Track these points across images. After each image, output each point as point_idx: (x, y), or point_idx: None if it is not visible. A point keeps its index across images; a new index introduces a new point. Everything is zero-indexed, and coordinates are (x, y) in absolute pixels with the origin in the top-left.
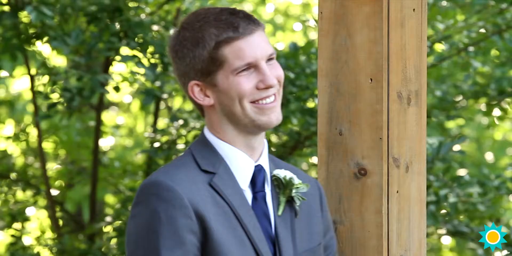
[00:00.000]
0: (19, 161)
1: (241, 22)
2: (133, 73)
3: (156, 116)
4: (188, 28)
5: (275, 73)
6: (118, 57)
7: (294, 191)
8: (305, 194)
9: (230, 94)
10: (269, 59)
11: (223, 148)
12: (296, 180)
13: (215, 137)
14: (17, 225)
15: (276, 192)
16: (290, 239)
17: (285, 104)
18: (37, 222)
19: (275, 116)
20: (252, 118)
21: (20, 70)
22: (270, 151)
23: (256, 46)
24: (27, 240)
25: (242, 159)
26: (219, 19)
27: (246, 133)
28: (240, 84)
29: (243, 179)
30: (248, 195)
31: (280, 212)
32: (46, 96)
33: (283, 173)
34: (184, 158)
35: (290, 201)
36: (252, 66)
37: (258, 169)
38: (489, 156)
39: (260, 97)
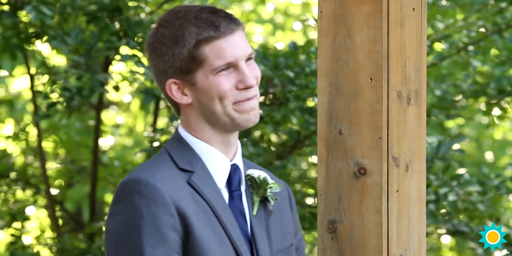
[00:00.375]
0: (19, 160)
1: (222, 22)
2: (132, 72)
3: (155, 115)
4: (167, 25)
5: (253, 73)
6: (117, 57)
7: (268, 191)
8: (276, 195)
9: (209, 94)
10: (248, 59)
11: (199, 146)
12: (270, 180)
13: (191, 136)
14: (16, 224)
15: (249, 192)
16: (266, 238)
17: (284, 103)
18: (37, 222)
19: (255, 115)
20: (232, 117)
21: (19, 70)
22: (270, 151)
23: (236, 46)
24: (27, 240)
25: (218, 158)
26: (200, 17)
27: (223, 132)
28: (219, 84)
29: (220, 178)
30: (225, 194)
31: (254, 212)
32: (46, 96)
33: (257, 173)
34: (161, 156)
35: (263, 201)
36: (232, 66)
37: (234, 168)
38: (489, 156)
39: (242, 99)
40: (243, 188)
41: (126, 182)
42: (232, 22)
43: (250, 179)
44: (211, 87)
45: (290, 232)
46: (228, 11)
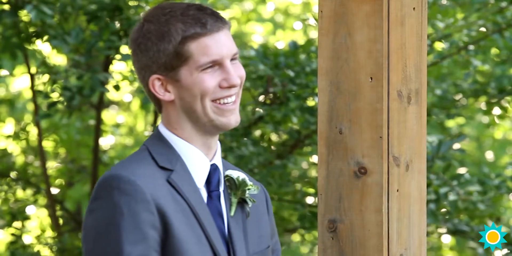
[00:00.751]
0: (19, 159)
1: (208, 19)
2: (133, 71)
3: (156, 115)
4: (153, 21)
5: (238, 72)
6: (118, 56)
7: (246, 192)
8: (254, 197)
9: (193, 91)
10: (233, 58)
11: (179, 145)
12: (248, 181)
13: (172, 134)
14: (17, 223)
15: (228, 193)
16: (243, 239)
17: (285, 102)
18: (37, 221)
19: (234, 118)
20: (211, 118)
21: (20, 69)
22: (270, 150)
23: (222, 44)
24: (27, 239)
25: (198, 157)
26: (186, 14)
27: (204, 132)
28: (204, 81)
29: (199, 178)
30: (203, 194)
31: (232, 213)
32: (46, 95)
33: (236, 174)
34: (141, 153)
35: (241, 202)
36: (217, 64)
37: (214, 169)
38: (489, 155)
39: (222, 96)
40: (221, 188)
41: (106, 178)
42: (219, 20)
43: (229, 180)
44: (195, 84)
45: (266, 234)
46: (228, 10)
